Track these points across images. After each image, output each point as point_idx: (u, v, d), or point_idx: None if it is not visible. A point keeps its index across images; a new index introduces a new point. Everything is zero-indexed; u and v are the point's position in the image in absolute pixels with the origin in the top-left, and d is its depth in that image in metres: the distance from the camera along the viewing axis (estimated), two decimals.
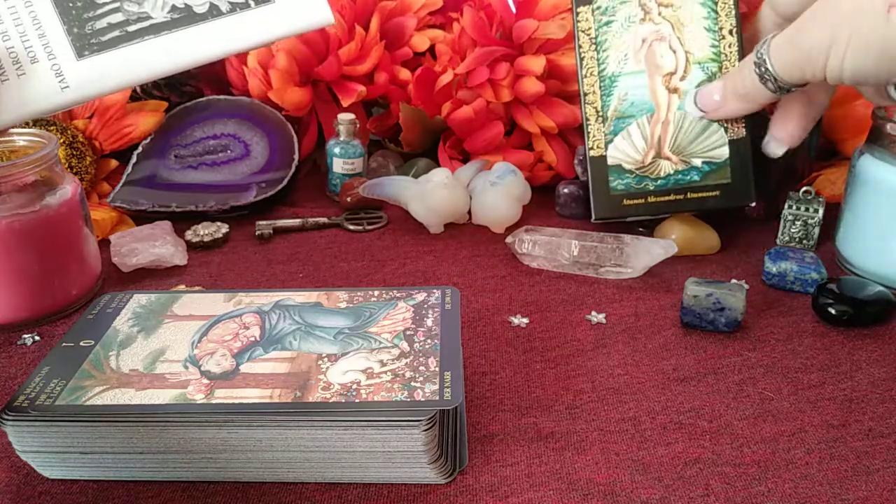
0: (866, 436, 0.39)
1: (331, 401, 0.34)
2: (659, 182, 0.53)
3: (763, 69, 0.46)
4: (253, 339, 0.39)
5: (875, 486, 0.36)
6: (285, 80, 0.67)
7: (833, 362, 0.45)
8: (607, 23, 0.53)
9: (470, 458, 0.38)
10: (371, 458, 0.35)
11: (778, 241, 0.59)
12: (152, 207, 0.61)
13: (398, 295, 0.43)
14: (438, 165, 0.68)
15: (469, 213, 0.62)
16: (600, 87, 0.53)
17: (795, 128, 0.50)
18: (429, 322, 0.40)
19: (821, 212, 0.57)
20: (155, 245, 0.56)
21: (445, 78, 0.67)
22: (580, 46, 0.54)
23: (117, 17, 0.31)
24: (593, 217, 0.55)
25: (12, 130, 0.52)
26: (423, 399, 0.34)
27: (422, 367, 0.36)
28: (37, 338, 0.48)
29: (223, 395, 0.35)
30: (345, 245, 0.60)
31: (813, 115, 0.51)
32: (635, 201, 0.54)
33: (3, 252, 0.46)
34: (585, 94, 0.54)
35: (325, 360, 0.37)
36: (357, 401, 0.34)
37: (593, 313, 0.50)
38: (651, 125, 0.53)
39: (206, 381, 0.36)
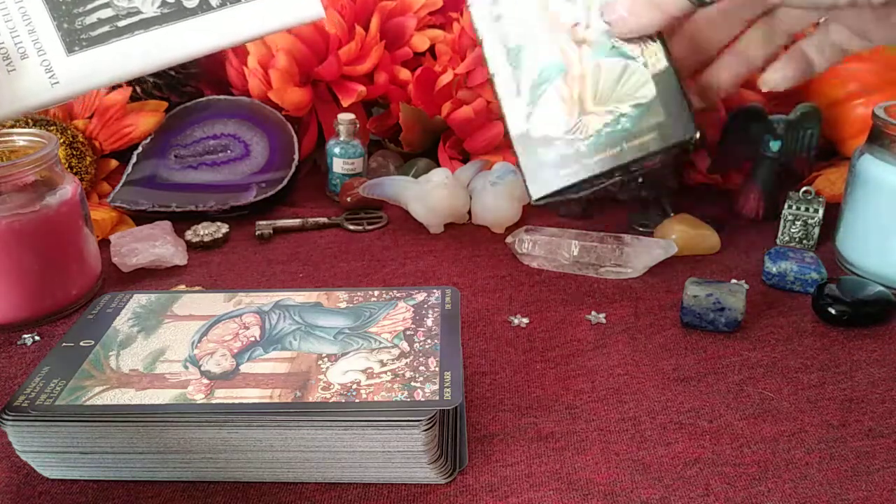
0: (866, 436, 0.39)
1: (331, 401, 0.34)
2: (590, 140, 0.48)
3: None
4: (253, 339, 0.39)
5: (875, 486, 0.36)
6: (285, 80, 0.67)
7: (833, 362, 0.45)
8: None
9: (470, 458, 0.38)
10: (371, 458, 0.35)
11: (778, 241, 0.59)
12: (152, 207, 0.61)
13: (398, 295, 0.43)
14: (438, 165, 0.68)
15: (469, 213, 0.62)
16: (508, 61, 0.49)
17: (729, 75, 0.48)
18: (429, 322, 0.40)
19: (821, 212, 0.57)
20: (155, 245, 0.56)
21: (445, 78, 0.67)
22: (477, 30, 0.50)
23: (107, 13, 0.31)
24: (532, 199, 0.49)
25: (12, 130, 0.52)
26: (423, 399, 0.34)
27: (422, 367, 0.36)
28: (37, 338, 0.48)
29: (223, 395, 0.35)
30: (345, 245, 0.60)
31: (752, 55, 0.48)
32: (571, 168, 0.48)
33: (3, 252, 0.46)
34: (494, 75, 0.50)
35: (325, 360, 0.37)
36: (357, 401, 0.34)
37: (593, 313, 0.50)
38: (567, 84, 0.48)
39: (206, 381, 0.36)
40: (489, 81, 0.51)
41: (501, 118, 0.50)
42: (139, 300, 0.43)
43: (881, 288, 0.50)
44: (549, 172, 0.49)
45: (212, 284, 0.54)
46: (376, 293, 0.43)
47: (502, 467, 0.37)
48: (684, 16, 0.45)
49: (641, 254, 0.53)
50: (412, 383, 0.35)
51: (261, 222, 0.62)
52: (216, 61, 0.75)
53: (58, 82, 0.31)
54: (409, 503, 0.35)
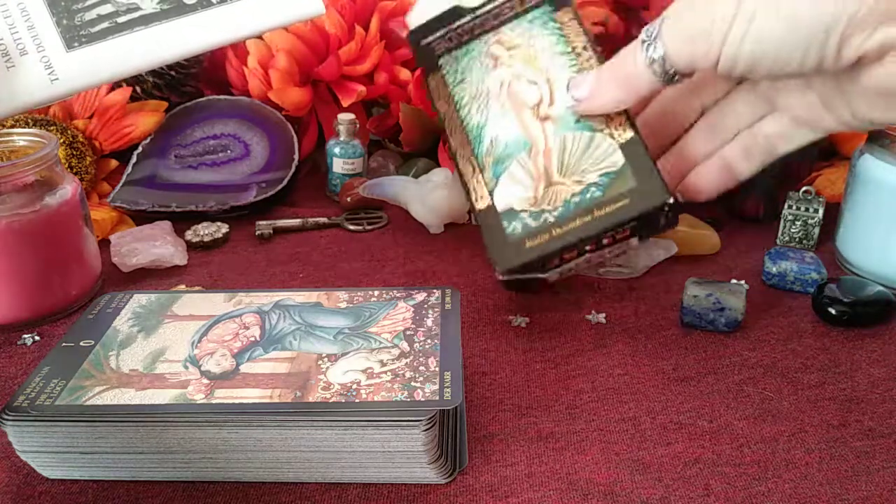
0: (866, 436, 0.39)
1: (331, 401, 0.34)
2: (559, 210, 0.45)
3: (651, 47, 0.39)
4: (253, 339, 0.39)
5: (875, 486, 0.36)
6: (285, 80, 0.67)
7: (833, 362, 0.45)
8: (460, 80, 0.51)
9: (470, 458, 0.38)
10: (371, 458, 0.35)
11: (778, 241, 0.59)
12: (152, 207, 0.61)
13: (398, 295, 0.43)
14: (438, 165, 0.68)
15: (469, 213, 0.62)
16: (469, 140, 0.49)
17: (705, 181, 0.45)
18: (429, 322, 0.40)
19: (821, 212, 0.57)
20: (155, 245, 0.56)
21: None
22: (437, 110, 0.51)
23: (107, 8, 0.31)
24: (499, 273, 0.45)
25: (12, 130, 0.52)
26: (423, 399, 0.34)
27: (422, 367, 0.36)
28: (37, 338, 0.48)
29: (223, 395, 0.35)
30: (345, 245, 0.60)
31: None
32: (539, 240, 0.44)
33: (3, 252, 0.46)
34: (455, 153, 0.50)
35: (325, 360, 0.37)
36: (357, 401, 0.34)
37: (593, 313, 0.50)
38: (532, 158, 0.47)
39: (206, 381, 0.36)
40: (450, 156, 0.50)
41: (466, 193, 0.49)
42: (139, 300, 0.43)
43: (881, 288, 0.50)
44: (515, 244, 0.45)
45: (212, 284, 0.54)
46: (376, 293, 0.43)
47: (502, 467, 0.37)
48: (652, 93, 0.44)
49: (642, 254, 0.53)
50: (412, 383, 0.35)
51: (261, 222, 0.62)
52: (216, 61, 0.75)
53: (57, 79, 0.31)
54: (409, 503, 0.35)
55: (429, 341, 0.38)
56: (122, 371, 0.37)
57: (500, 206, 0.47)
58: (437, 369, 0.36)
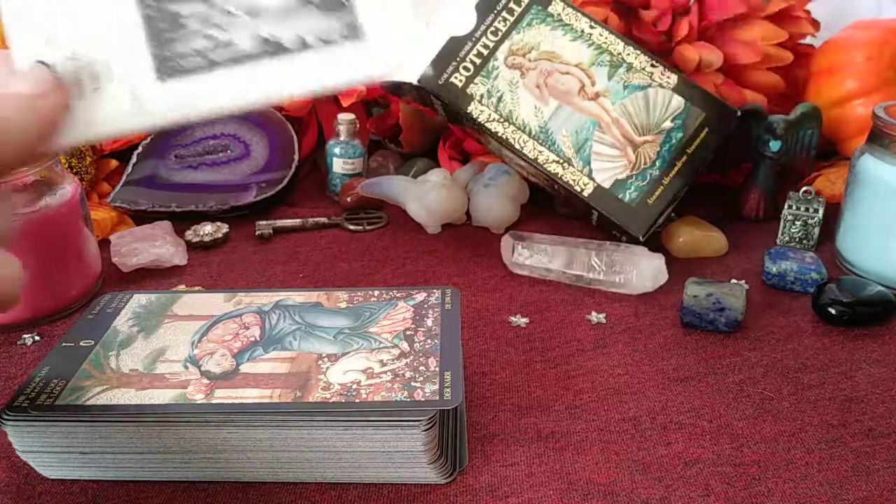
0: (866, 436, 0.39)
1: (331, 401, 0.34)
2: (658, 163, 0.53)
3: None
4: (253, 339, 0.39)
5: (875, 486, 0.36)
6: None
7: (833, 362, 0.45)
8: (499, 98, 0.54)
9: (470, 458, 0.38)
10: (371, 458, 0.35)
11: (778, 241, 0.59)
12: (152, 207, 0.61)
13: (398, 295, 0.43)
14: (438, 166, 0.68)
15: (468, 214, 0.62)
16: (542, 144, 0.54)
17: None
18: (429, 322, 0.40)
19: (821, 212, 0.57)
20: (155, 245, 0.56)
21: None
22: (496, 133, 0.54)
23: (203, 43, 0.29)
24: (642, 239, 0.53)
25: None
26: (423, 399, 0.34)
27: (422, 367, 0.36)
28: (37, 338, 0.48)
29: (223, 395, 0.35)
30: (345, 245, 0.60)
31: None
32: (657, 192, 0.53)
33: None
34: (535, 160, 0.54)
35: (325, 360, 0.37)
36: (357, 401, 0.34)
37: (593, 313, 0.50)
38: (607, 132, 0.54)
39: (206, 381, 0.36)
40: (530, 165, 0.54)
41: (566, 191, 0.54)
42: (139, 300, 0.43)
43: (881, 288, 0.50)
44: (641, 207, 0.53)
45: (212, 284, 0.54)
46: (376, 293, 0.43)
47: (502, 467, 0.37)
48: None
49: (638, 286, 0.52)
50: (412, 383, 0.35)
51: (261, 222, 0.62)
52: None
53: (142, 111, 0.30)
54: (409, 503, 0.35)
55: (429, 341, 0.38)
56: (122, 371, 0.37)
57: (606, 184, 0.53)
58: (437, 369, 0.36)
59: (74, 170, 0.60)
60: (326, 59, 0.30)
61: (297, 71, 0.30)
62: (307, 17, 0.30)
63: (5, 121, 0.27)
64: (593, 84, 0.54)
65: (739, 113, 0.54)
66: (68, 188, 0.49)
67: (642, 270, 0.52)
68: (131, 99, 0.29)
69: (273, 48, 0.30)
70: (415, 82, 0.33)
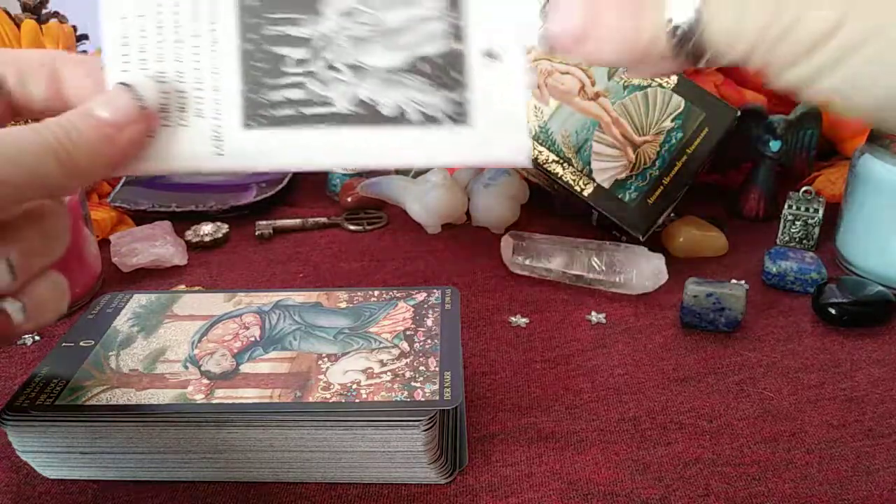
0: (866, 436, 0.39)
1: (331, 401, 0.34)
2: (658, 162, 0.53)
3: (686, 16, 0.24)
4: (253, 339, 0.39)
5: (875, 486, 0.36)
6: None
7: (833, 362, 0.45)
8: None
9: (470, 458, 0.38)
10: (371, 458, 0.35)
11: (778, 241, 0.59)
12: (152, 207, 0.61)
13: (398, 295, 0.43)
14: None
15: (468, 214, 0.62)
16: (542, 144, 0.54)
17: None
18: (429, 322, 0.40)
19: (821, 212, 0.57)
20: (155, 245, 0.56)
21: None
22: None
23: (297, 94, 0.28)
24: (642, 239, 0.53)
25: None
26: (423, 399, 0.34)
27: (422, 367, 0.36)
28: (37, 338, 0.48)
29: (223, 395, 0.35)
30: (345, 245, 0.60)
31: None
32: (657, 192, 0.53)
33: None
34: (535, 160, 0.54)
35: (325, 360, 0.37)
36: (357, 401, 0.34)
37: (593, 313, 0.50)
38: (607, 132, 0.53)
39: (206, 381, 0.36)
40: (537, 164, 0.54)
41: (566, 191, 0.54)
42: (139, 300, 0.43)
43: (881, 288, 0.50)
44: (641, 208, 0.53)
45: (212, 284, 0.54)
46: (376, 293, 0.43)
47: (502, 467, 0.37)
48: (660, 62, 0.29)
49: (636, 286, 0.53)
50: (412, 383, 0.35)
51: (261, 222, 0.62)
52: None
53: (222, 154, 0.28)
54: (409, 503, 0.35)
55: (429, 341, 0.38)
56: (122, 371, 0.37)
57: (606, 183, 0.53)
58: (437, 369, 0.36)
59: None
60: (423, 135, 0.29)
61: (389, 142, 0.29)
62: (412, 87, 0.29)
63: (78, 147, 0.26)
64: (593, 84, 0.54)
65: (739, 113, 0.54)
66: None
67: (642, 270, 0.52)
68: (213, 139, 0.28)
69: (369, 113, 0.28)
70: (528, 165, 0.31)
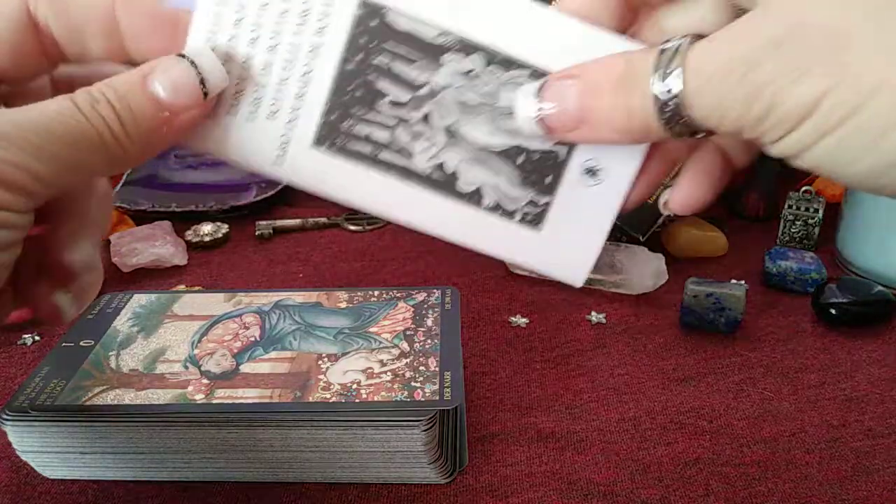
0: (866, 436, 0.39)
1: (331, 401, 0.34)
2: None
3: (669, 96, 0.23)
4: (253, 339, 0.39)
5: (875, 486, 0.36)
6: None
7: (833, 362, 0.45)
8: None
9: (470, 458, 0.37)
10: (371, 458, 0.35)
11: (778, 241, 0.59)
12: (152, 207, 0.61)
13: (398, 295, 0.43)
14: None
15: None
16: None
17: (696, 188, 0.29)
18: (429, 322, 0.40)
19: (821, 212, 0.57)
20: (155, 245, 0.56)
21: None
22: None
23: (381, 136, 0.26)
24: (642, 239, 0.54)
25: None
26: (423, 399, 0.34)
27: (422, 368, 0.36)
28: (37, 338, 0.48)
29: (223, 395, 0.35)
30: (345, 245, 0.60)
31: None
32: (657, 193, 0.51)
33: None
34: None
35: (325, 360, 0.37)
36: (357, 401, 0.34)
37: (593, 313, 0.50)
38: None
39: (206, 381, 0.36)
40: None
41: None
42: (139, 300, 0.43)
43: (881, 288, 0.50)
44: (641, 210, 0.47)
45: (212, 284, 0.54)
46: (376, 293, 0.43)
47: (502, 467, 0.37)
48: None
49: (636, 286, 0.53)
50: (412, 383, 0.35)
51: (261, 222, 0.62)
52: None
53: (281, 164, 0.27)
54: (409, 503, 0.35)
55: (429, 341, 0.38)
56: (122, 371, 0.37)
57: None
58: (437, 369, 0.36)
59: None
60: (488, 221, 0.28)
61: (451, 215, 0.27)
62: (501, 173, 0.27)
63: (130, 131, 0.23)
64: None
65: None
66: None
67: (642, 270, 0.52)
68: (279, 146, 0.27)
69: (444, 182, 0.27)
70: (577, 286, 0.30)
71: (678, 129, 0.24)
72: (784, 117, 0.21)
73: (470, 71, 0.26)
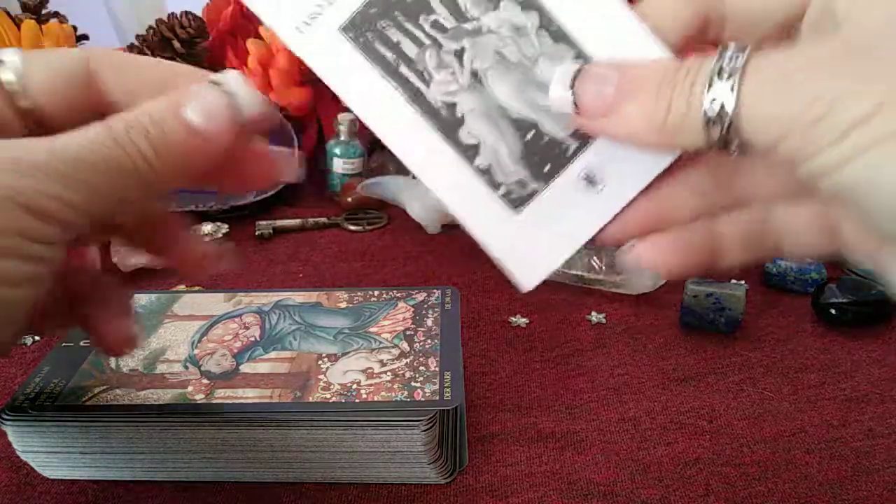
0: (866, 436, 0.39)
1: (331, 401, 0.34)
2: None
3: (720, 89, 0.22)
4: (253, 339, 0.39)
5: (875, 486, 0.36)
6: (285, 80, 0.67)
7: (833, 362, 0.45)
8: None
9: (470, 458, 0.38)
10: (371, 458, 0.35)
11: None
12: None
13: (398, 295, 0.43)
14: None
15: None
16: None
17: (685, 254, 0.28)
18: (429, 322, 0.40)
19: None
20: None
21: None
22: None
23: (409, 49, 0.25)
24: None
25: None
26: (423, 399, 0.34)
27: (422, 367, 0.36)
28: (37, 338, 0.48)
29: (223, 395, 0.35)
30: (345, 245, 0.60)
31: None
32: None
33: None
34: None
35: (325, 360, 0.37)
36: (357, 401, 0.34)
37: (593, 313, 0.50)
38: None
39: (206, 381, 0.36)
40: None
41: None
42: (139, 300, 0.43)
43: (881, 288, 0.50)
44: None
45: (212, 284, 0.54)
46: (376, 293, 0.43)
47: (502, 467, 0.37)
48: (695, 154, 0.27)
49: (636, 286, 0.53)
50: (412, 383, 0.35)
51: (261, 222, 0.62)
52: (217, 61, 0.75)
53: (302, 33, 0.25)
54: (409, 503, 0.35)
55: (429, 341, 0.38)
56: (122, 371, 0.37)
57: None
58: (437, 369, 0.36)
59: None
60: (472, 185, 0.26)
61: (438, 161, 0.26)
62: (506, 139, 0.26)
63: (163, 160, 0.23)
64: None
65: None
66: None
67: (642, 270, 0.52)
68: (308, 16, 0.26)
69: (448, 122, 0.26)
70: (524, 290, 0.29)
71: (715, 133, 0.23)
72: (834, 126, 0.21)
73: (521, 27, 0.25)
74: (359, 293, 0.43)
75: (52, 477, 0.36)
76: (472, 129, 0.26)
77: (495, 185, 0.26)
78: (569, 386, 0.43)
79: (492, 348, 0.47)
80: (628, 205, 0.27)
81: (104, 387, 0.35)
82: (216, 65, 0.75)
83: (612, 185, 0.26)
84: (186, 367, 0.37)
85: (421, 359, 0.37)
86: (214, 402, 0.34)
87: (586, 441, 0.39)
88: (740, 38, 0.25)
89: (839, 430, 0.40)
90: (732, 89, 0.22)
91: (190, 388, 0.35)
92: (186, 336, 0.39)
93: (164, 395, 0.35)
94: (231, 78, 0.25)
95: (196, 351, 0.38)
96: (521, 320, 0.49)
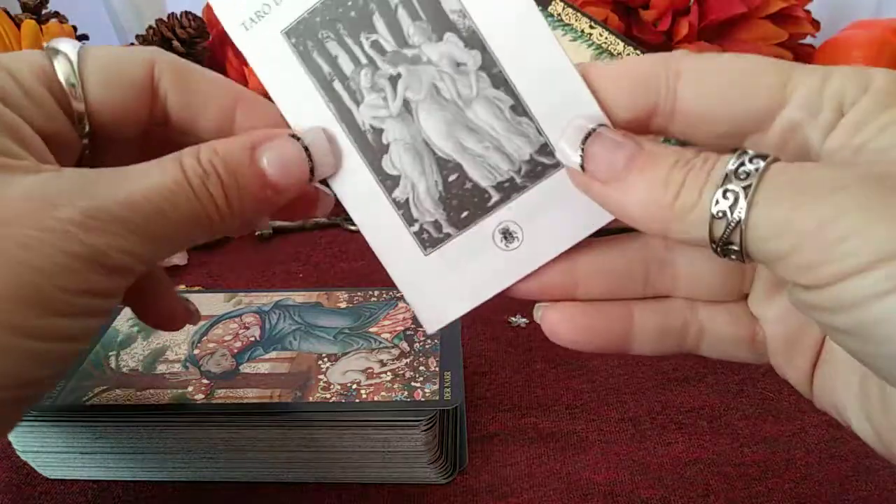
0: None
1: (331, 401, 0.34)
2: None
3: (732, 193, 0.20)
4: (253, 339, 0.39)
5: (875, 486, 0.36)
6: None
7: None
8: None
9: (470, 458, 0.38)
10: (371, 458, 0.35)
11: None
12: None
13: (398, 295, 0.43)
14: None
15: None
16: None
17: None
18: None
19: None
20: None
21: None
22: None
23: (345, 66, 0.25)
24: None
25: None
26: (423, 399, 0.34)
27: (422, 368, 0.36)
28: None
29: (223, 395, 0.35)
30: (345, 245, 0.60)
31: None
32: None
33: None
34: None
35: (325, 360, 0.37)
36: (357, 401, 0.34)
37: None
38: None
39: (206, 381, 0.36)
40: None
41: None
42: None
43: None
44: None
45: (212, 284, 0.54)
46: (376, 293, 0.43)
47: (502, 467, 0.37)
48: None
49: None
50: (412, 383, 0.35)
51: None
52: (217, 61, 0.75)
53: (247, 30, 0.25)
54: (408, 503, 0.35)
55: (429, 341, 0.38)
56: (122, 371, 0.37)
57: None
58: (437, 369, 0.36)
59: None
60: (388, 215, 0.26)
61: (359, 185, 0.26)
62: (427, 173, 0.26)
63: (235, 209, 0.23)
64: None
65: None
66: None
67: None
68: (254, 13, 0.25)
69: (372, 146, 0.26)
70: (428, 332, 0.29)
71: (718, 230, 0.21)
72: (857, 250, 0.18)
73: (462, 64, 0.25)
74: (359, 293, 0.43)
75: (52, 477, 0.36)
76: (395, 160, 0.25)
77: (410, 221, 0.26)
78: (569, 386, 0.43)
79: (492, 348, 0.47)
80: (544, 265, 0.26)
81: (104, 387, 0.36)
82: (216, 65, 0.75)
83: (529, 245, 0.26)
84: (186, 367, 0.37)
85: (421, 359, 0.37)
86: (214, 402, 0.34)
87: (586, 441, 0.39)
88: (685, 136, 0.24)
89: (839, 430, 0.40)
90: (748, 188, 0.20)
91: (190, 388, 0.35)
92: (186, 336, 0.39)
93: (164, 395, 0.35)
94: (311, 133, 0.25)
95: (196, 351, 0.38)
96: (521, 320, 0.49)
